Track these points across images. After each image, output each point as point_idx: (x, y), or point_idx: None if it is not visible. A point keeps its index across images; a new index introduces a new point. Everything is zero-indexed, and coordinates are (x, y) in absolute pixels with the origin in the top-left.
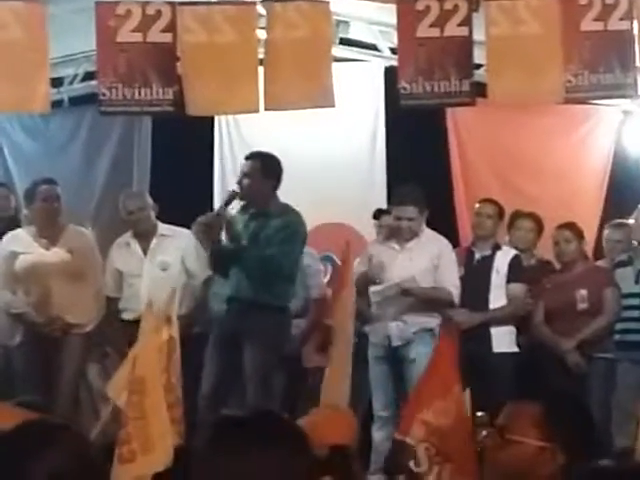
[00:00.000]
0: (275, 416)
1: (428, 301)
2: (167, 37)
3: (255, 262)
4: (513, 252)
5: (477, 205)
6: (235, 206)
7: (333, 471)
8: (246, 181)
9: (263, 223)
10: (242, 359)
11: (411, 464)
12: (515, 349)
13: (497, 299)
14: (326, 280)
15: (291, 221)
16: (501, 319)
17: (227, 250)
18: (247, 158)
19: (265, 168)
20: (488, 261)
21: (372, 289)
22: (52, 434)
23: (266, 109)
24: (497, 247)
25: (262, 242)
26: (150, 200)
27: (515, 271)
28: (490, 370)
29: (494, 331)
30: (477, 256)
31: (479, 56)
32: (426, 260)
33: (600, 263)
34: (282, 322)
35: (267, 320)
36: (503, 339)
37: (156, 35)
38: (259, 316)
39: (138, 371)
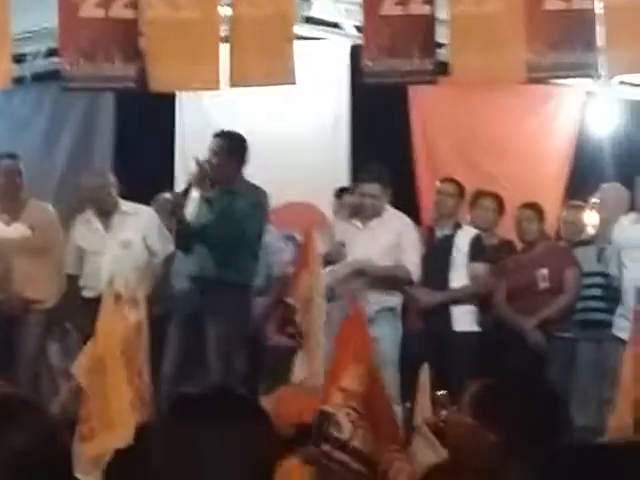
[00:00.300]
0: (233, 393)
1: (386, 279)
2: (130, 13)
3: (220, 239)
4: (474, 231)
5: (438, 184)
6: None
7: (299, 450)
8: (214, 160)
9: (230, 201)
10: (205, 338)
11: (334, 432)
12: (476, 328)
13: (458, 278)
14: (288, 258)
15: (257, 199)
16: (463, 298)
17: (193, 228)
18: (215, 136)
19: (232, 147)
20: (449, 240)
21: (327, 269)
22: (15, 411)
23: (230, 86)
24: (458, 226)
25: (228, 220)
26: (112, 177)
27: (476, 250)
28: (451, 349)
29: (455, 310)
30: (438, 235)
31: (442, 35)
32: (388, 238)
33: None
34: (246, 300)
35: (231, 298)
36: (464, 318)
37: (119, 10)
38: (223, 294)
39: (98, 350)
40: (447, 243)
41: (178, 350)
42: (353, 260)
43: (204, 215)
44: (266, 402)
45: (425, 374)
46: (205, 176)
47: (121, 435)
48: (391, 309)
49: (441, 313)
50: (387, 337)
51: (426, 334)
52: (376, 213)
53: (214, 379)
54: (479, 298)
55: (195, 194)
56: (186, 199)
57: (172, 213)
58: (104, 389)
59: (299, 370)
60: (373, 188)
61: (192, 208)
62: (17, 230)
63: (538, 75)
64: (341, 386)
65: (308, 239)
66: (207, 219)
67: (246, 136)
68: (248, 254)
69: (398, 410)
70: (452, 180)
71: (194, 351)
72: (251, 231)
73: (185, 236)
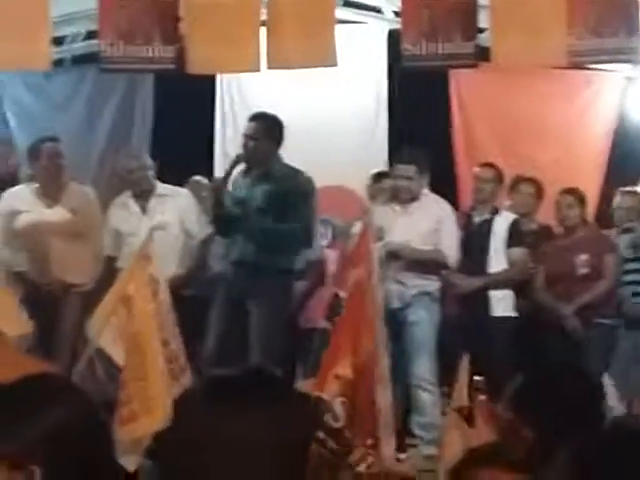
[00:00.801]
0: (269, 374)
1: (423, 263)
2: None
3: (270, 232)
4: (512, 216)
5: (476, 169)
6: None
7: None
8: (252, 143)
9: (270, 186)
10: (247, 321)
11: (329, 419)
12: (513, 313)
13: (496, 263)
14: (324, 243)
15: (300, 183)
16: (502, 283)
17: (233, 212)
18: (251, 120)
19: (270, 130)
20: (487, 225)
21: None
22: (55, 390)
23: (268, 68)
24: (496, 211)
25: (273, 207)
26: (149, 160)
27: (515, 235)
28: (488, 334)
29: (492, 295)
30: (476, 220)
31: (482, 20)
32: (427, 223)
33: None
34: (288, 285)
35: (275, 283)
36: (502, 303)
37: None
38: (267, 279)
39: (136, 331)
40: (485, 228)
41: (218, 332)
42: (386, 242)
43: (245, 199)
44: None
45: (465, 365)
46: (245, 160)
47: (160, 417)
48: (428, 293)
49: (479, 298)
50: (424, 321)
51: (464, 319)
52: (413, 196)
53: (254, 362)
54: (517, 283)
55: (236, 177)
56: (227, 183)
57: (213, 197)
58: (144, 371)
59: None
60: (408, 170)
61: (233, 192)
62: (58, 213)
63: (579, 60)
64: (338, 373)
65: (364, 233)
66: (249, 203)
67: (283, 119)
68: (291, 238)
69: (436, 392)
70: (491, 165)
71: (235, 334)
72: (302, 219)
73: (225, 220)
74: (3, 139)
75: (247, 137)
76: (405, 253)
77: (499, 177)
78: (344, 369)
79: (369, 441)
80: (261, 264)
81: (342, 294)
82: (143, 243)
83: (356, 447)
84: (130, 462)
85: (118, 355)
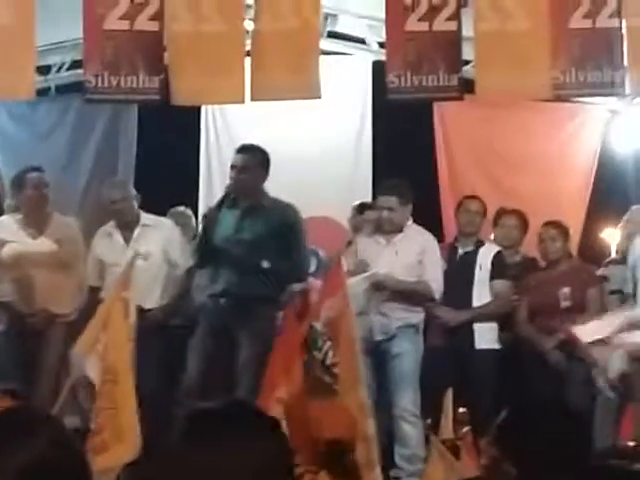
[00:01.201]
0: (248, 406)
1: (407, 295)
2: (154, 25)
3: (251, 255)
4: (496, 248)
5: (464, 202)
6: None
7: (330, 465)
8: (243, 175)
9: (260, 219)
10: (232, 352)
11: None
12: (497, 346)
13: (480, 295)
14: (310, 272)
15: (290, 216)
16: (486, 316)
17: (221, 249)
18: (240, 151)
19: (260, 162)
20: (471, 257)
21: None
22: (32, 423)
23: (252, 99)
24: (480, 243)
25: (265, 240)
26: (133, 190)
27: (498, 268)
28: (472, 366)
29: (477, 327)
30: (460, 252)
31: (467, 53)
32: (411, 255)
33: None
34: (275, 315)
35: (262, 313)
36: (485, 336)
37: (143, 23)
38: (255, 310)
39: (110, 358)
40: (469, 260)
41: (202, 363)
42: (372, 273)
43: (233, 233)
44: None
45: (449, 400)
46: (234, 192)
47: (131, 447)
48: (412, 325)
49: (463, 331)
50: (408, 354)
51: (448, 351)
52: (396, 228)
53: (243, 392)
54: (501, 316)
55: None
56: (217, 215)
57: (203, 228)
58: (115, 400)
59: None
60: (390, 201)
61: (219, 225)
62: (43, 244)
63: (563, 93)
64: (278, 396)
65: (337, 264)
66: (237, 235)
67: (268, 150)
68: (288, 273)
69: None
70: (475, 197)
71: (219, 365)
72: (287, 248)
73: (211, 253)
74: None
75: (236, 169)
76: (390, 284)
77: (483, 209)
78: (283, 392)
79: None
80: (249, 295)
81: (318, 326)
82: (124, 271)
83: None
84: None
85: (99, 383)
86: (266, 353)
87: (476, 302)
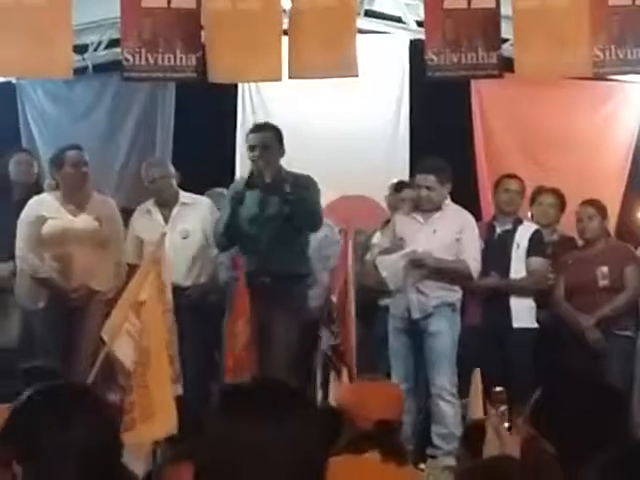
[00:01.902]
0: (284, 385)
1: (445, 273)
2: (191, 3)
3: (279, 231)
4: (534, 227)
5: (503, 180)
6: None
7: (379, 445)
8: (266, 153)
9: (281, 194)
10: (265, 329)
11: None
12: (535, 325)
13: (518, 273)
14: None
15: (310, 181)
16: (520, 289)
17: (245, 223)
18: (256, 130)
19: (279, 138)
20: (509, 235)
21: (381, 258)
22: (74, 400)
23: (290, 77)
24: (519, 221)
25: (286, 212)
26: (172, 168)
27: (536, 245)
28: (509, 345)
29: (514, 305)
30: (498, 230)
31: (505, 31)
32: (449, 233)
33: None
34: (307, 290)
35: (296, 290)
36: (523, 314)
37: (181, 1)
38: (290, 286)
39: (144, 342)
40: (507, 239)
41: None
42: (410, 250)
43: (259, 209)
44: (345, 394)
45: (477, 379)
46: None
47: (161, 426)
48: (450, 304)
49: (500, 309)
50: (445, 332)
51: (485, 330)
52: (435, 206)
53: (279, 369)
54: (538, 294)
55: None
56: (244, 195)
57: (233, 208)
58: (145, 379)
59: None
60: (428, 179)
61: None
62: (84, 221)
63: (603, 71)
64: None
65: (345, 237)
66: (264, 213)
67: (305, 129)
68: (305, 243)
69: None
70: (514, 176)
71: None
72: (312, 220)
73: (237, 232)
74: (26, 149)
75: (258, 148)
76: (429, 262)
77: (522, 188)
78: None
79: None
80: (283, 273)
81: (334, 299)
82: (154, 248)
83: None
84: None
85: (128, 362)
86: (298, 330)
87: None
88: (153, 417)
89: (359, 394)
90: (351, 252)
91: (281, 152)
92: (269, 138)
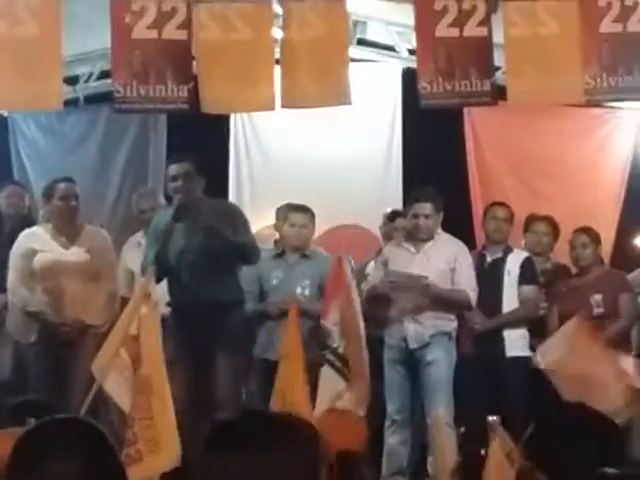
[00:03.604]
0: (273, 416)
1: (443, 302)
2: (182, 34)
3: (204, 259)
4: (525, 254)
5: (491, 208)
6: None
7: (340, 478)
8: (189, 183)
9: (205, 221)
10: (211, 361)
11: (330, 342)
12: (528, 353)
13: (510, 302)
14: None
15: (232, 210)
16: (514, 323)
17: (175, 253)
18: (179, 160)
19: (197, 168)
20: (500, 263)
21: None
22: (75, 433)
23: (282, 107)
24: (509, 249)
25: (208, 240)
26: (163, 199)
27: (527, 273)
28: (503, 374)
29: (507, 335)
30: (488, 259)
31: (497, 59)
32: (442, 263)
33: None
34: (243, 316)
35: (234, 317)
36: (516, 343)
37: (172, 32)
38: (227, 314)
39: (144, 370)
40: (498, 267)
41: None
42: (418, 274)
43: (184, 240)
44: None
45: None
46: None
47: (168, 457)
48: (446, 333)
49: (493, 338)
50: (442, 362)
51: (478, 359)
52: (430, 234)
53: (225, 402)
54: (531, 322)
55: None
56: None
57: (163, 241)
58: (150, 410)
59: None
60: (426, 208)
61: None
62: (75, 254)
63: (594, 98)
64: (337, 304)
65: (339, 264)
66: (188, 243)
67: (298, 159)
68: (236, 270)
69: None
70: (501, 204)
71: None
72: (241, 247)
73: (167, 264)
74: (17, 181)
75: (180, 178)
76: (435, 290)
77: (510, 215)
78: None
79: None
80: (217, 301)
81: (326, 325)
82: (144, 281)
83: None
84: None
85: (121, 398)
86: (243, 358)
87: (506, 309)
88: (159, 448)
89: (321, 424)
90: (350, 274)
91: (201, 182)
92: (191, 168)
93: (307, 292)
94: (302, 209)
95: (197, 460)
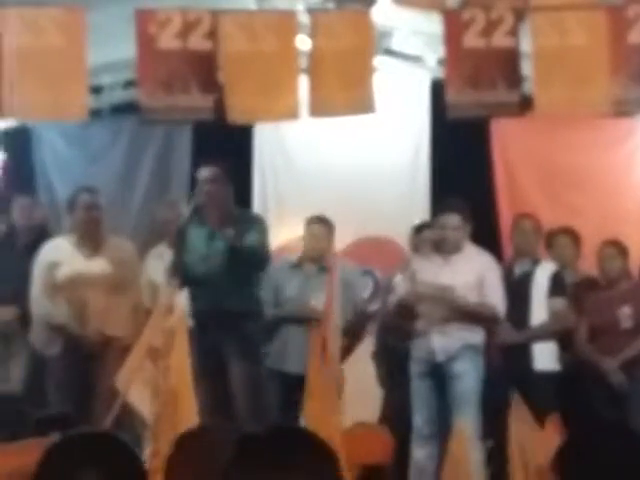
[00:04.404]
0: (301, 432)
1: (472, 315)
2: (208, 44)
3: (227, 269)
4: (554, 267)
5: (518, 220)
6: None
7: None
8: (213, 188)
9: (229, 230)
10: (227, 372)
11: None
12: (557, 367)
13: (538, 315)
14: (367, 294)
15: (257, 218)
16: (543, 336)
17: (197, 260)
18: (207, 164)
19: (227, 172)
20: (528, 276)
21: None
22: (100, 445)
23: (310, 116)
24: (537, 262)
25: (234, 249)
26: (185, 209)
27: (556, 286)
28: (531, 388)
29: (535, 348)
30: (517, 271)
31: (524, 69)
32: (470, 275)
33: None
34: (260, 327)
35: (249, 329)
36: (544, 357)
37: (197, 42)
38: (242, 326)
39: (171, 382)
40: (526, 280)
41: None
42: (446, 286)
43: (207, 246)
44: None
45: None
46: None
47: None
48: (473, 346)
49: (521, 351)
50: (469, 374)
51: (506, 372)
52: (457, 248)
53: (240, 414)
54: (560, 336)
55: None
56: (187, 231)
57: (175, 246)
58: (175, 422)
59: None
60: (454, 219)
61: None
62: (98, 265)
63: (623, 109)
64: None
65: (330, 270)
66: (211, 250)
67: (324, 169)
68: (256, 281)
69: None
70: (528, 215)
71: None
72: (261, 258)
73: (187, 268)
74: (26, 191)
75: (204, 181)
76: (461, 302)
77: (537, 227)
78: None
79: None
80: (233, 311)
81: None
82: (167, 294)
83: None
84: None
85: (146, 410)
86: (258, 369)
87: (534, 322)
88: None
89: (347, 440)
90: (336, 284)
91: (229, 189)
92: (218, 173)
93: (321, 305)
94: (319, 220)
95: (222, 472)
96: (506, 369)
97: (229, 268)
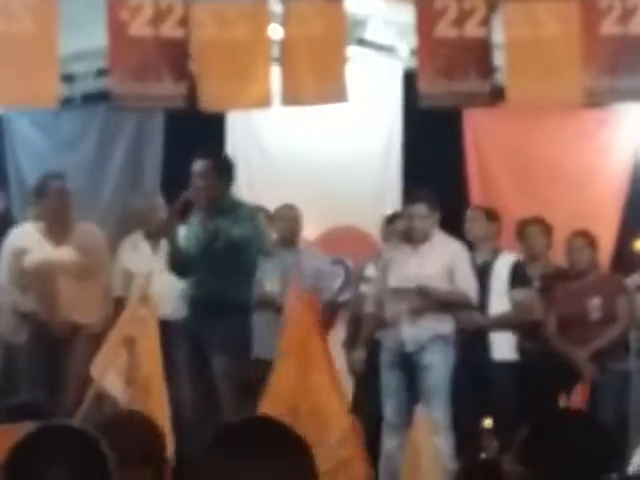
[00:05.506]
0: (272, 422)
1: (444, 304)
2: (179, 32)
3: (217, 260)
4: (513, 258)
5: (468, 212)
6: None
7: None
8: (208, 180)
9: (224, 221)
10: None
11: None
12: (515, 356)
13: (497, 304)
14: (338, 284)
15: (249, 210)
16: (506, 324)
17: (188, 251)
18: (202, 157)
19: (228, 167)
20: (487, 266)
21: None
22: (66, 438)
23: (282, 105)
24: (497, 252)
25: (224, 241)
26: (160, 200)
27: (517, 276)
28: (489, 378)
29: (494, 338)
30: (477, 261)
31: (497, 59)
32: (439, 264)
33: None
34: (247, 319)
35: (233, 319)
36: (502, 346)
37: (169, 30)
38: (225, 315)
39: (143, 371)
40: (486, 270)
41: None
42: (415, 276)
43: (198, 238)
44: None
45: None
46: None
47: None
48: (443, 336)
49: (479, 341)
50: (439, 366)
51: (464, 362)
52: (425, 237)
53: (226, 408)
54: (525, 326)
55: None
56: (177, 221)
57: (164, 235)
58: (147, 410)
59: None
60: (421, 209)
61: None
62: (66, 253)
63: (595, 100)
64: None
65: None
66: (202, 241)
67: (296, 159)
68: (246, 273)
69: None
70: (479, 207)
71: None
72: (249, 250)
73: (179, 260)
74: None
75: (197, 175)
76: (433, 292)
77: (491, 216)
78: None
79: None
80: (218, 301)
81: None
82: (143, 283)
83: None
84: None
85: (122, 397)
86: (242, 362)
87: (492, 312)
88: None
89: None
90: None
91: (227, 180)
92: (209, 167)
93: (277, 288)
94: (286, 206)
95: (199, 461)
96: (464, 359)
97: (219, 260)
